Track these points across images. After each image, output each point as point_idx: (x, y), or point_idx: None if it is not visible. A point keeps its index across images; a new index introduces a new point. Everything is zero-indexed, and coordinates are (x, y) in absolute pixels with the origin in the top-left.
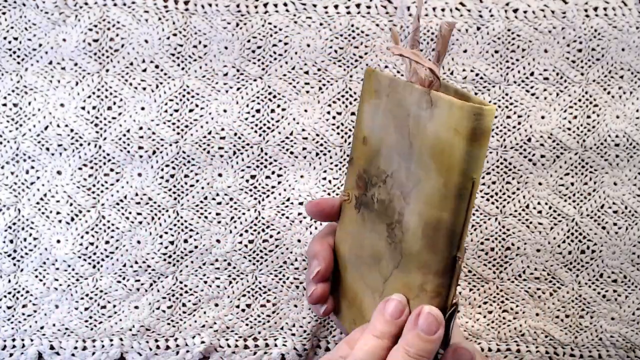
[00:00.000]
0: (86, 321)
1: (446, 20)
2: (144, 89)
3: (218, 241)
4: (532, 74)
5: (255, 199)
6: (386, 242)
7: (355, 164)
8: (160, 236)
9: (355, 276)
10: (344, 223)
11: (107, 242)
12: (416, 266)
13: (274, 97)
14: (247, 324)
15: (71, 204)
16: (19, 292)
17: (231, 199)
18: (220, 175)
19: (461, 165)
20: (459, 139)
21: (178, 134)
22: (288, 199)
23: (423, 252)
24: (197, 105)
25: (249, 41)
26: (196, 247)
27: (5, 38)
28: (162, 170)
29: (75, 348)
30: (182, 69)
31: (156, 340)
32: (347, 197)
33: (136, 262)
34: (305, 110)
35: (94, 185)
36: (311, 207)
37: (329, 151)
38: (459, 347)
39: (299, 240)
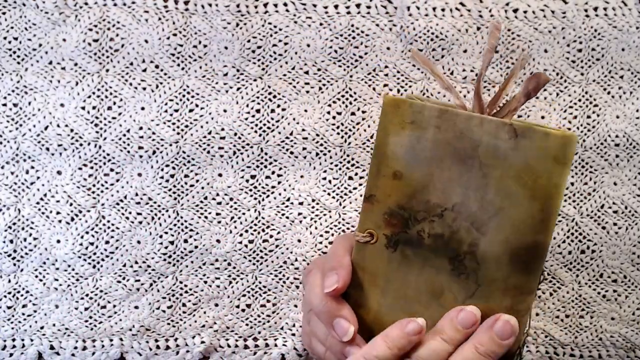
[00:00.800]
0: (86, 321)
1: (523, 54)
2: (144, 89)
3: (218, 241)
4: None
5: (255, 199)
6: (450, 275)
7: (380, 201)
8: (160, 236)
9: (400, 317)
10: (368, 267)
11: (107, 242)
12: (501, 291)
13: (274, 97)
14: (247, 324)
15: (71, 204)
16: (19, 292)
17: (231, 199)
18: (220, 175)
19: (560, 189)
20: (559, 165)
21: (178, 134)
22: (288, 199)
23: (512, 277)
24: (197, 105)
25: (249, 41)
26: (196, 247)
27: (5, 38)
28: (162, 170)
29: (75, 348)
30: (182, 69)
31: (156, 340)
32: (370, 238)
33: (136, 262)
34: (305, 110)
35: (94, 185)
36: (336, 293)
37: (329, 151)
38: (501, 319)
39: (299, 240)
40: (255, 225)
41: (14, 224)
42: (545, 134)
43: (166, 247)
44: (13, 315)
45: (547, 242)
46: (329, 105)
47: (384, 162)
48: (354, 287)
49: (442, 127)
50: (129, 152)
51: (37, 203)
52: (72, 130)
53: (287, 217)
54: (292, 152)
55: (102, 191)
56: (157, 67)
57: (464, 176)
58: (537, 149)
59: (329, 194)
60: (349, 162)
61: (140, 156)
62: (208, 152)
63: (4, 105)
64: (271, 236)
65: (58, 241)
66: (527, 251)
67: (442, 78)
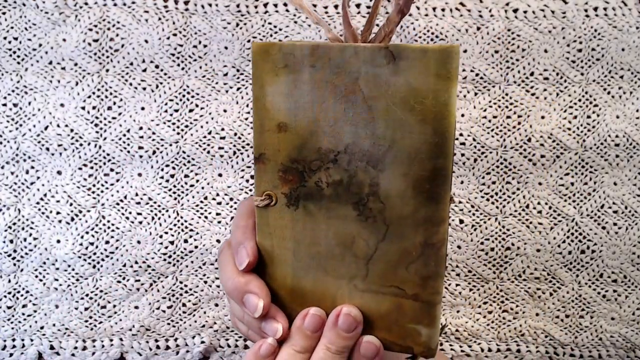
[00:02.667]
0: (86, 321)
1: None
2: (144, 89)
3: (218, 241)
4: (532, 74)
5: None
6: (357, 221)
7: (271, 159)
8: (160, 236)
9: (317, 277)
10: (274, 230)
11: (107, 242)
12: (412, 226)
13: None
14: None
15: (71, 204)
16: (19, 292)
17: (231, 199)
18: (220, 175)
19: (449, 108)
20: (443, 81)
21: (178, 134)
22: None
23: (420, 209)
24: (197, 105)
25: (249, 41)
26: (196, 247)
27: (5, 38)
28: (162, 170)
29: (75, 348)
30: (182, 69)
31: (156, 340)
32: (269, 201)
33: (136, 262)
34: None
35: (94, 185)
36: (250, 268)
37: None
38: (342, 314)
39: None
40: None
41: (14, 224)
42: (422, 51)
43: (166, 247)
44: (13, 315)
45: (447, 165)
46: None
47: (266, 116)
48: (264, 257)
49: (318, 65)
50: (129, 152)
51: (37, 203)
52: (72, 130)
53: None
54: None
55: (102, 191)
56: (157, 67)
57: (350, 113)
58: (418, 68)
59: None
60: None
61: (140, 156)
62: (208, 152)
63: (4, 105)
64: None
65: (58, 241)
66: (429, 179)
67: (311, 12)
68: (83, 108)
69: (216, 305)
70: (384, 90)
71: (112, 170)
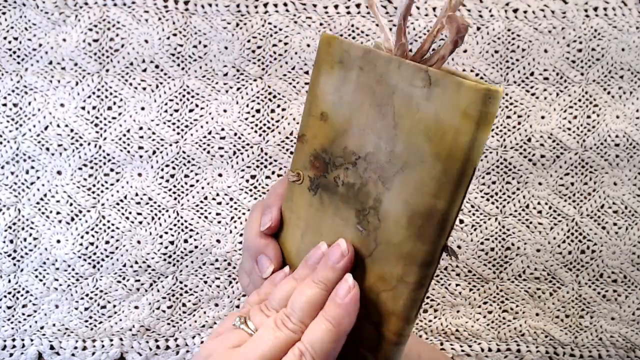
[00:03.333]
0: (86, 321)
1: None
2: (144, 89)
3: (218, 241)
4: (532, 74)
5: (255, 198)
6: (355, 229)
7: (309, 141)
8: (160, 236)
9: None
10: (294, 207)
11: (107, 242)
12: (395, 256)
13: (274, 97)
14: None
15: (71, 204)
16: (19, 292)
17: (231, 199)
18: (220, 175)
19: (467, 152)
20: (468, 123)
21: (178, 134)
22: None
23: (407, 242)
24: (197, 105)
25: (249, 41)
26: (196, 247)
27: (5, 38)
28: (162, 170)
29: (75, 348)
30: (182, 69)
31: (156, 340)
32: (297, 178)
33: (136, 262)
34: None
35: (94, 185)
36: (269, 231)
37: None
38: (333, 244)
39: None
40: None
41: (14, 224)
42: (457, 84)
43: (166, 247)
44: (13, 315)
45: (446, 210)
46: None
47: (315, 102)
48: (282, 227)
49: (365, 69)
50: (129, 152)
51: (37, 203)
52: (72, 130)
53: None
54: (291, 152)
55: (102, 191)
56: (157, 67)
57: (378, 124)
58: (449, 100)
59: None
60: None
61: (140, 156)
62: (208, 152)
63: (4, 105)
64: None
65: (58, 241)
66: (423, 216)
67: (378, 16)
68: (83, 108)
69: (216, 305)
70: (413, 112)
71: (112, 170)
